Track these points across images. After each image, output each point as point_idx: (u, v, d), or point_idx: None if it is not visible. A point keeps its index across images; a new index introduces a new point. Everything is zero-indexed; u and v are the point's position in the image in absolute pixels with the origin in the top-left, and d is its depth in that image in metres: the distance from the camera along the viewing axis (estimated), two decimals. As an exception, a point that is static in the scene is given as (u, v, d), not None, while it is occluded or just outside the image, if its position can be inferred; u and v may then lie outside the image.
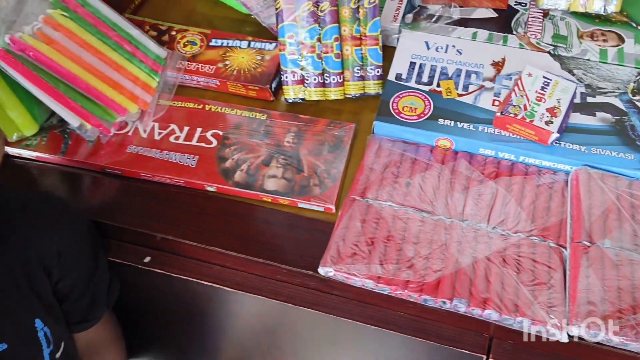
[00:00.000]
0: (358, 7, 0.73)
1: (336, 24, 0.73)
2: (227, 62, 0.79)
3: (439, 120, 0.70)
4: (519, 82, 0.70)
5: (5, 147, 0.71)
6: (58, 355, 0.59)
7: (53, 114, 0.73)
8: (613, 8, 0.80)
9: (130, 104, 0.72)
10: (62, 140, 0.72)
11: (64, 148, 0.71)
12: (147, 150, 0.71)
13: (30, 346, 0.56)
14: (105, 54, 0.69)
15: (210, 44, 0.81)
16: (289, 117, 0.75)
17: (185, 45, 0.81)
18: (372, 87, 0.76)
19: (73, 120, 0.69)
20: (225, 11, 0.89)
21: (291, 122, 0.74)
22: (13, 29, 0.62)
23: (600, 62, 0.76)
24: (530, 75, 0.71)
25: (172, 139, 0.72)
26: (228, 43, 0.81)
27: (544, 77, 0.71)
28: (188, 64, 0.79)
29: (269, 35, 0.83)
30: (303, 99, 0.77)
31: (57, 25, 0.64)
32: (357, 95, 0.77)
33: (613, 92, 0.73)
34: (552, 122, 0.67)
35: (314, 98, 0.76)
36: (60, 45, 0.65)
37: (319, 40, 0.74)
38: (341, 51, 0.74)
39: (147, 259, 0.67)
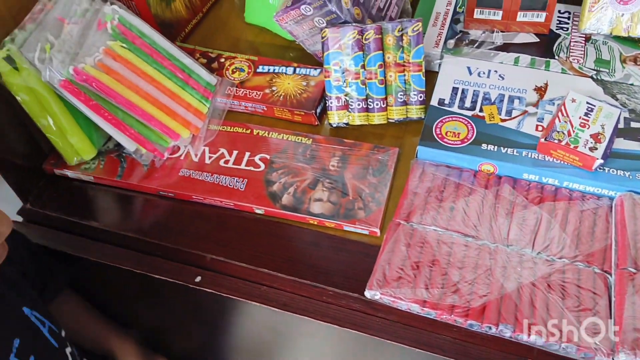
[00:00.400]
0: (402, 35, 0.75)
1: (380, 52, 0.75)
2: (273, 88, 0.82)
3: (482, 145, 0.71)
4: (562, 107, 0.71)
5: (66, 170, 0.75)
6: (53, 328, 0.63)
7: (110, 138, 0.77)
8: (657, 32, 0.80)
9: (182, 129, 0.75)
10: (118, 164, 0.75)
11: (120, 171, 0.75)
12: (198, 174, 0.74)
13: (33, 332, 0.60)
14: (160, 82, 0.73)
15: (258, 70, 0.84)
16: (334, 142, 0.77)
17: (233, 72, 0.84)
18: (415, 112, 0.78)
19: (130, 145, 0.72)
20: (271, 37, 0.92)
21: (336, 146, 0.76)
22: (76, 60, 0.65)
23: (644, 86, 0.77)
24: (573, 100, 0.71)
25: (221, 162, 0.75)
26: (274, 69, 0.84)
27: (588, 102, 0.71)
28: (236, 90, 0.82)
29: (313, 61, 0.86)
30: (347, 124, 0.79)
31: (117, 56, 0.68)
32: (400, 119, 0.78)
33: (658, 116, 0.73)
34: (596, 148, 0.67)
35: (358, 123, 0.79)
36: (119, 74, 0.68)
37: (363, 67, 0.76)
38: (385, 77, 0.76)
39: (198, 279, 0.69)
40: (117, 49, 0.68)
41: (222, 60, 0.86)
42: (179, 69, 0.76)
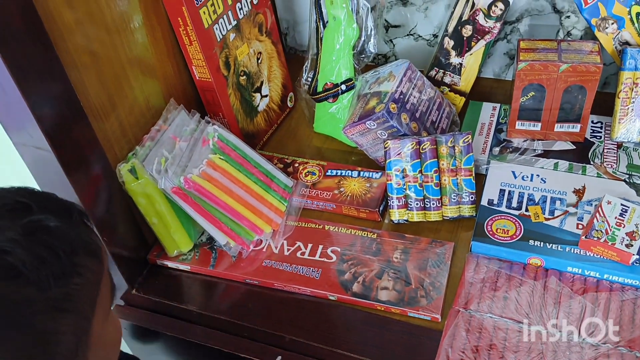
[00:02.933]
0: (454, 146, 0.87)
1: (435, 159, 0.87)
2: (341, 189, 0.94)
3: (530, 241, 0.81)
4: (599, 209, 0.81)
5: (166, 260, 0.88)
6: None
7: (203, 232, 0.89)
8: (682, 140, 0.90)
9: (265, 225, 0.87)
10: (210, 255, 0.88)
11: (212, 262, 0.87)
12: (279, 264, 0.85)
13: None
14: (249, 186, 0.86)
15: (327, 173, 0.97)
16: (396, 236, 0.88)
17: (306, 175, 0.97)
18: (467, 211, 0.89)
19: (221, 239, 0.84)
20: (336, 144, 1.05)
21: (398, 240, 0.87)
22: (186, 171, 0.79)
23: (673, 189, 0.86)
24: (609, 203, 0.81)
25: (298, 254, 0.87)
26: (341, 173, 0.97)
27: (622, 204, 0.81)
28: (309, 190, 0.94)
29: (374, 164, 0.98)
30: (407, 220, 0.90)
31: (217, 167, 0.82)
32: (453, 217, 0.89)
33: (688, 216, 0.82)
34: (632, 245, 0.76)
35: (416, 219, 0.90)
36: (218, 182, 0.82)
37: (420, 172, 0.88)
38: (440, 181, 0.88)
39: (279, 358, 0.79)
40: (217, 160, 0.82)
41: (297, 165, 0.99)
42: (263, 174, 0.89)
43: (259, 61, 1.00)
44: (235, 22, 0.92)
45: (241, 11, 0.93)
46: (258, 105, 1.03)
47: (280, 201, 0.90)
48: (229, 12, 0.90)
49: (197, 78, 0.90)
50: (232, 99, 0.95)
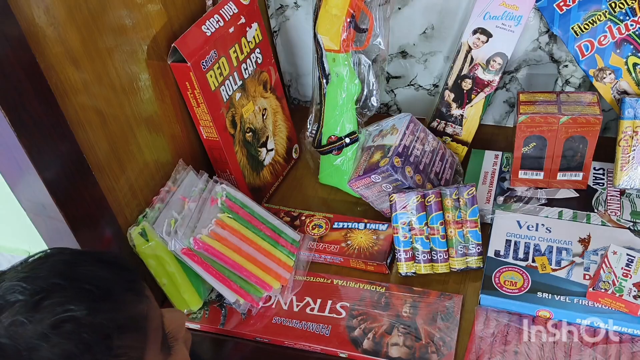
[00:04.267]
0: (458, 198, 0.88)
1: (441, 212, 0.88)
2: (348, 242, 0.95)
3: (538, 293, 0.81)
4: (605, 259, 0.81)
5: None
6: None
7: (212, 289, 0.90)
8: (684, 186, 0.91)
9: (274, 281, 0.88)
10: (220, 313, 0.88)
11: (222, 320, 0.87)
12: (288, 321, 0.86)
13: None
14: (257, 243, 0.87)
15: (334, 226, 0.98)
16: (404, 289, 0.88)
17: (313, 228, 0.98)
18: (474, 262, 0.89)
19: (231, 297, 0.85)
20: (341, 195, 1.06)
21: (406, 294, 0.88)
22: (195, 231, 0.81)
23: (678, 236, 0.87)
24: (615, 253, 0.82)
25: (308, 310, 0.87)
26: (348, 225, 0.98)
27: (628, 254, 0.81)
28: (317, 244, 0.95)
29: (381, 216, 0.99)
30: (415, 273, 0.90)
31: (225, 226, 0.83)
32: (461, 269, 0.90)
33: (694, 264, 0.82)
34: (639, 296, 0.76)
35: (424, 272, 0.90)
36: (227, 240, 0.83)
37: (426, 224, 0.89)
38: (446, 233, 0.89)
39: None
40: (226, 219, 0.83)
41: (303, 217, 1.00)
42: (271, 229, 0.90)
43: (264, 117, 1.02)
44: (241, 82, 0.94)
45: (246, 71, 0.95)
46: (264, 160, 1.04)
47: (288, 256, 0.91)
48: (235, 74, 0.92)
49: (205, 137, 0.92)
50: (238, 156, 0.97)
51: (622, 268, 0.80)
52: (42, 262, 0.53)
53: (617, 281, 0.79)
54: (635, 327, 0.77)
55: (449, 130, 1.03)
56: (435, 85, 1.14)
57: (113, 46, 0.76)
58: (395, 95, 1.19)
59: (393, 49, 1.11)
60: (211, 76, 0.87)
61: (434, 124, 1.04)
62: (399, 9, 1.05)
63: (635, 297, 0.77)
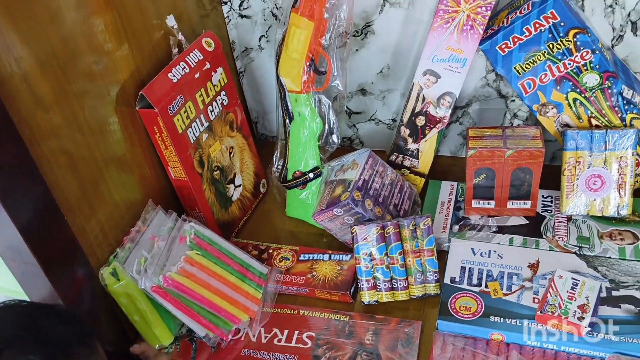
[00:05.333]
0: (415, 229, 0.93)
1: (399, 242, 0.93)
2: (314, 273, 0.99)
3: (491, 317, 0.86)
4: (552, 283, 0.87)
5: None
6: None
7: (183, 324, 0.93)
8: (625, 211, 0.98)
9: (242, 314, 0.92)
10: (191, 347, 0.91)
11: (193, 354, 0.90)
12: (257, 352, 0.89)
13: None
14: (225, 278, 0.91)
15: (300, 258, 1.02)
16: (367, 318, 0.93)
17: (280, 261, 1.02)
18: (432, 289, 0.94)
19: (201, 331, 0.88)
20: (307, 227, 1.11)
21: (369, 322, 0.92)
22: (164, 269, 0.84)
23: (620, 259, 0.93)
24: (561, 277, 0.87)
25: (275, 341, 0.91)
26: (313, 257, 1.02)
27: (573, 278, 0.87)
28: (284, 276, 0.99)
29: (344, 246, 1.04)
30: (377, 301, 0.95)
31: (194, 262, 0.87)
32: (420, 296, 0.94)
33: (634, 285, 0.89)
34: (583, 318, 0.82)
35: (385, 300, 0.95)
36: (196, 277, 0.86)
37: (386, 254, 0.93)
38: (405, 262, 0.94)
39: None
40: (194, 256, 0.87)
41: (271, 250, 1.04)
42: (239, 264, 0.94)
43: (232, 155, 1.07)
44: (208, 123, 0.99)
45: (212, 113, 1.00)
46: (232, 196, 1.09)
47: (256, 289, 0.95)
48: (201, 116, 0.97)
49: (173, 177, 0.96)
50: (207, 193, 1.01)
51: (567, 291, 0.86)
52: (3, 313, 0.56)
53: (563, 304, 0.84)
54: (580, 347, 0.82)
55: (407, 163, 1.09)
56: (394, 120, 1.20)
57: (82, 93, 0.80)
58: (357, 129, 1.25)
59: (353, 87, 1.17)
60: (178, 120, 0.91)
61: (393, 157, 1.09)
62: (356, 50, 1.11)
63: (579, 318, 0.82)
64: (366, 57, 1.12)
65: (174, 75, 0.91)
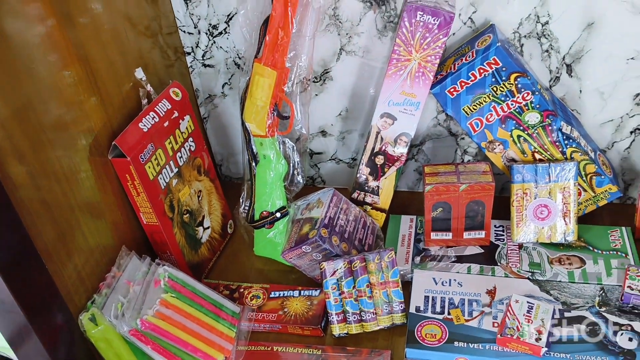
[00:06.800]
0: (380, 262, 0.98)
1: (366, 275, 0.98)
2: (285, 309, 1.03)
3: (455, 343, 0.92)
4: (509, 308, 0.93)
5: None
6: None
7: (158, 367, 0.95)
8: (572, 237, 1.06)
9: (217, 353, 0.94)
10: (168, 389, 0.93)
11: (171, 395, 0.92)
12: (233, 390, 0.92)
13: None
14: (200, 319, 0.93)
15: (271, 295, 1.06)
16: (338, 350, 0.97)
17: (251, 299, 1.05)
18: (399, 319, 0.99)
19: (178, 373, 0.90)
20: (276, 265, 1.14)
21: (340, 354, 0.96)
22: (141, 313, 0.86)
23: (569, 282, 1.00)
24: (517, 301, 0.94)
25: (251, 378, 0.94)
26: (284, 294, 1.06)
27: (528, 302, 0.94)
28: (256, 314, 1.02)
29: (313, 282, 1.08)
30: (347, 333, 0.99)
31: (169, 305, 0.89)
32: (387, 326, 0.99)
33: (584, 306, 0.96)
34: (540, 339, 0.88)
35: (355, 332, 0.99)
36: (172, 319, 0.89)
37: (354, 288, 0.98)
38: (372, 294, 0.99)
39: None
40: (169, 299, 0.90)
41: (242, 290, 1.08)
42: (212, 305, 0.97)
43: (200, 198, 1.10)
44: (177, 169, 1.03)
45: (181, 159, 1.04)
46: (201, 238, 1.12)
47: (229, 328, 0.98)
48: (171, 162, 1.01)
49: (145, 223, 0.99)
50: (177, 237, 1.04)
51: (524, 315, 0.92)
52: None
53: (521, 327, 0.90)
54: (539, 366, 0.89)
55: (368, 199, 1.15)
56: (353, 159, 1.26)
57: (56, 143, 0.82)
58: (319, 169, 1.30)
59: (314, 129, 1.23)
60: (149, 167, 0.95)
61: (355, 195, 1.15)
62: (316, 95, 1.18)
63: (536, 339, 0.89)
64: (326, 101, 1.18)
65: (145, 125, 0.95)
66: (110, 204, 0.95)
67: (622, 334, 0.90)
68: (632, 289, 0.94)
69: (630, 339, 0.89)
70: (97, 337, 0.85)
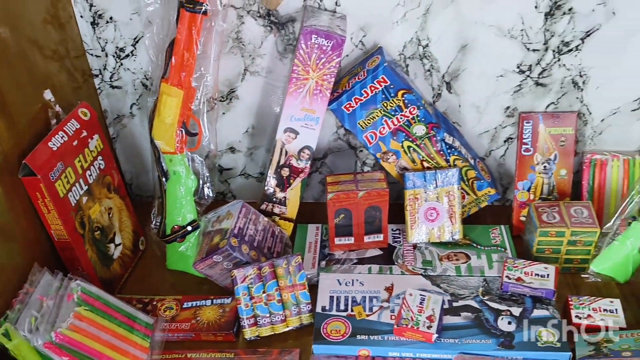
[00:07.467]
0: (288, 266, 1.06)
1: (275, 280, 1.05)
2: (198, 318, 1.07)
3: (357, 336, 1.00)
4: (404, 301, 1.03)
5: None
6: None
7: (74, 380, 0.96)
8: (458, 236, 1.18)
9: (132, 363, 0.97)
10: (84, 401, 0.95)
11: (87, 407, 0.94)
12: (149, 397, 0.95)
13: None
14: (113, 330, 0.96)
15: (184, 306, 1.10)
16: (250, 352, 1.02)
17: (165, 311, 1.09)
18: (306, 319, 1.06)
19: (96, 384, 0.93)
20: (189, 277, 1.18)
21: (252, 356, 1.02)
22: (55, 326, 0.88)
23: (457, 275, 1.12)
24: (411, 295, 1.04)
25: (166, 385, 0.97)
26: (196, 303, 1.10)
27: (421, 294, 1.04)
28: (169, 324, 1.06)
29: (225, 291, 1.13)
30: (258, 336, 1.05)
31: (83, 318, 0.92)
32: (297, 326, 1.06)
33: (469, 296, 1.07)
34: (431, 327, 0.98)
35: (265, 334, 1.05)
36: (86, 331, 0.91)
37: (264, 292, 1.04)
38: (281, 297, 1.05)
39: None
40: (83, 312, 0.92)
41: (155, 302, 1.11)
42: (125, 317, 1.00)
43: (110, 215, 1.13)
44: (87, 186, 1.05)
45: (91, 177, 1.07)
46: (113, 254, 1.14)
47: (143, 339, 1.01)
48: (81, 180, 1.03)
49: (56, 240, 1.01)
50: (89, 253, 1.06)
51: (417, 306, 1.02)
52: None
53: (415, 317, 1.00)
54: (432, 352, 0.98)
55: (277, 210, 1.22)
56: (262, 173, 1.33)
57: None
58: (229, 184, 1.36)
59: (223, 146, 1.30)
60: (59, 185, 0.97)
61: (263, 206, 1.22)
62: (224, 113, 1.24)
63: (428, 327, 0.99)
64: (233, 118, 1.25)
65: (54, 144, 0.97)
66: (21, 223, 0.96)
67: (502, 319, 1.02)
68: (510, 279, 1.06)
69: (510, 323, 1.01)
70: (13, 352, 0.86)
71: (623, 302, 1.03)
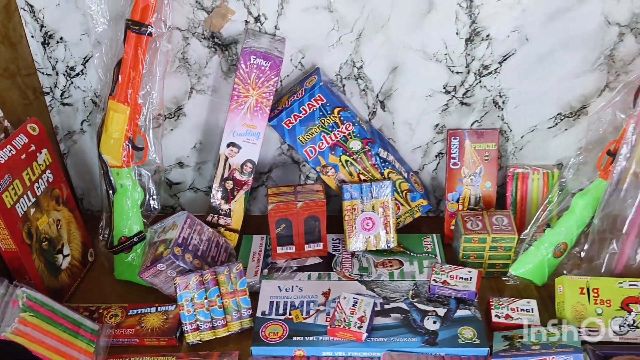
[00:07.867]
0: (230, 274, 1.11)
1: (217, 286, 1.10)
2: (142, 324, 1.12)
3: (294, 337, 1.06)
4: (339, 303, 1.10)
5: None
6: None
7: (18, 386, 0.99)
8: (392, 244, 1.26)
9: (77, 367, 1.01)
10: (29, 403, 0.98)
11: (30, 409, 0.97)
12: (92, 400, 0.99)
13: None
14: (59, 336, 1.00)
15: (129, 313, 1.14)
16: (192, 356, 1.07)
17: (110, 318, 1.13)
18: (247, 323, 1.12)
19: (37, 388, 0.96)
20: (136, 287, 1.23)
21: (193, 359, 1.07)
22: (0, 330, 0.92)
23: (390, 280, 1.19)
24: (345, 298, 1.11)
25: (109, 387, 1.01)
26: (141, 311, 1.15)
27: (354, 298, 1.11)
28: (115, 331, 1.10)
29: (169, 299, 1.18)
30: (200, 341, 1.10)
31: (28, 323, 0.95)
32: (237, 331, 1.11)
33: (400, 299, 1.15)
34: (362, 327, 1.05)
35: (207, 338, 1.10)
36: (31, 336, 0.95)
37: (206, 298, 1.10)
38: (223, 303, 1.11)
39: None
40: (28, 318, 0.96)
41: (101, 310, 1.15)
42: (71, 323, 1.04)
43: (59, 227, 1.18)
44: (35, 199, 1.10)
45: (39, 189, 1.11)
46: (61, 265, 1.18)
47: (88, 344, 1.05)
48: (28, 192, 1.08)
49: (3, 250, 1.05)
50: (36, 263, 1.10)
51: (349, 308, 1.09)
52: None
53: (347, 318, 1.07)
54: (362, 351, 1.05)
55: (222, 221, 1.28)
56: (210, 187, 1.39)
57: None
58: (178, 198, 1.42)
59: (172, 161, 1.35)
60: (6, 196, 1.02)
61: (209, 218, 1.28)
62: (172, 129, 1.30)
63: (359, 327, 1.05)
64: (181, 134, 1.31)
65: (2, 157, 1.02)
66: (-33, 233, 1.00)
67: (428, 319, 1.09)
68: (437, 282, 1.14)
69: (435, 322, 1.09)
70: (-47, 355, 0.89)
71: (540, 303, 1.12)
